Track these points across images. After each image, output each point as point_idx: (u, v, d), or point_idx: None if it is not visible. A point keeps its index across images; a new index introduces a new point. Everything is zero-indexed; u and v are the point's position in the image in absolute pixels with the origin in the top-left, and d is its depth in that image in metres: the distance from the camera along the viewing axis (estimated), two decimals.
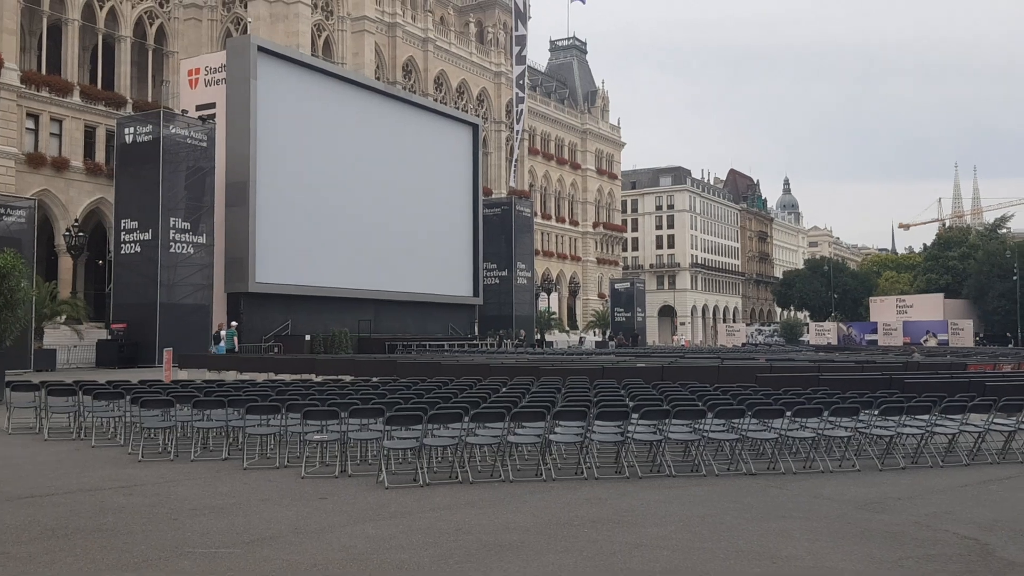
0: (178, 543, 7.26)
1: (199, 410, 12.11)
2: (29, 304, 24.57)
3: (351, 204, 45.84)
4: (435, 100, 64.40)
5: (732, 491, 9.81)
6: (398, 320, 48.79)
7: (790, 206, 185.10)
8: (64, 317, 38.58)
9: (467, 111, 68.36)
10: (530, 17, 78.50)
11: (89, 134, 46.56)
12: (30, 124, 44.01)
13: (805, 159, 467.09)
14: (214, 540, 7.37)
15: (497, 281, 60.92)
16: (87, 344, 38.19)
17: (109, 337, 37.65)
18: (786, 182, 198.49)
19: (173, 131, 38.52)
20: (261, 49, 41.72)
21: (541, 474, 10.49)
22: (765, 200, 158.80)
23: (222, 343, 34.93)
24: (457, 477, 10.23)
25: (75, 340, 38.44)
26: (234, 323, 36.91)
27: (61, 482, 10.22)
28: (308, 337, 40.61)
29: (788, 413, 11.47)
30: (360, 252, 45.90)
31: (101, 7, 47.70)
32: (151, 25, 50.70)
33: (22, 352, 28.61)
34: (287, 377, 19.50)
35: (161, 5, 51.10)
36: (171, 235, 38.02)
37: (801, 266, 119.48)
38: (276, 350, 36.89)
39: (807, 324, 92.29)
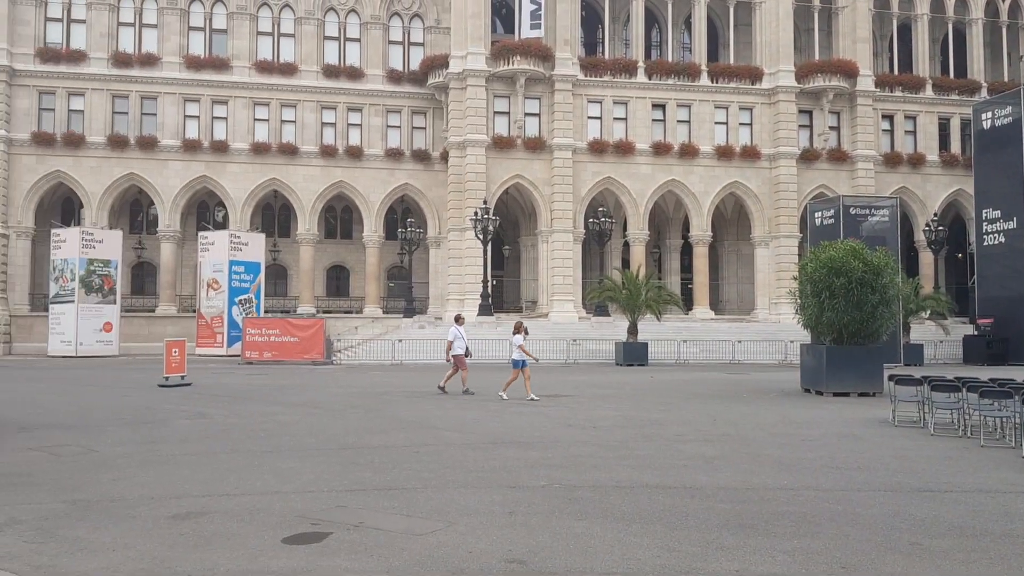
0: None
1: None
2: (898, 300, 25.16)
3: None
4: None
5: None
6: None
7: None
8: (928, 312, 38.67)
9: None
10: None
11: (943, 126, 46.08)
12: (885, 125, 45.65)
13: None
14: None
15: None
16: (952, 340, 37.53)
17: (975, 333, 36.35)
18: None
19: None
20: None
21: None
22: None
23: None
24: None
25: (940, 335, 38.17)
26: None
27: (956, 479, 9.85)
28: None
29: None
30: None
31: None
32: (1004, 1, 47.55)
33: (892, 346, 29.51)
34: None
35: None
36: None
37: None
38: None
39: None
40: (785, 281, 40.47)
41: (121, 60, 42.71)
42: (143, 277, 46.74)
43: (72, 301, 38.00)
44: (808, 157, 44.23)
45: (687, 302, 43.43)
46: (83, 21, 43.00)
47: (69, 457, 10.82)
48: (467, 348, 20.13)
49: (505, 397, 18.20)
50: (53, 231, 39.68)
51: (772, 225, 43.93)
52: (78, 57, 42.39)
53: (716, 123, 44.02)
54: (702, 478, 9.64)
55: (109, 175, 42.38)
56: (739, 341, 35.74)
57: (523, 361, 18.50)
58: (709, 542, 6.85)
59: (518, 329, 18.95)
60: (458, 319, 20.59)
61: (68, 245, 38.46)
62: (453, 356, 19.87)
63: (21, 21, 42.03)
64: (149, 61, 43.03)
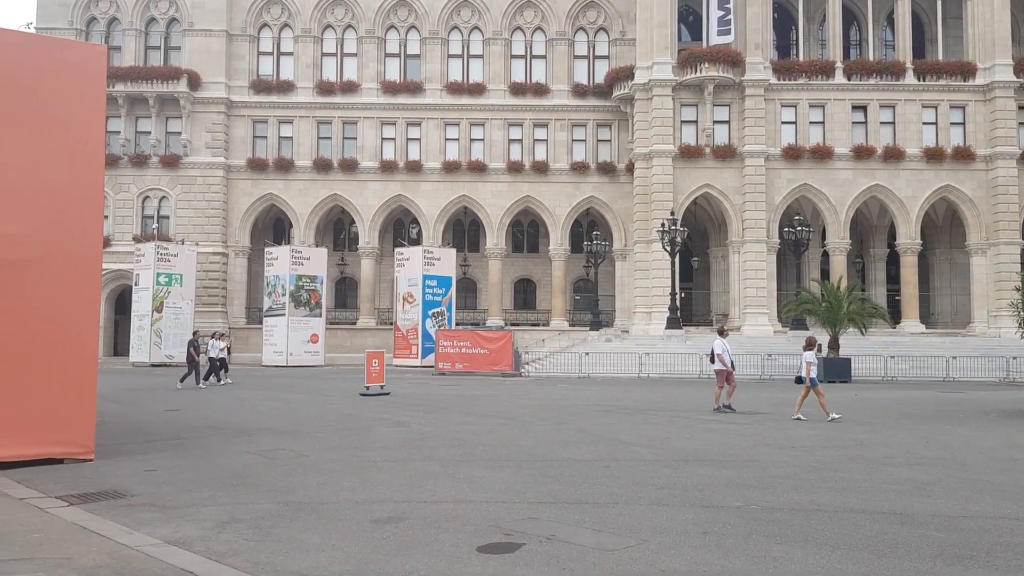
0: None
1: None
2: None
3: None
4: None
5: None
6: None
7: None
8: None
9: None
10: None
11: None
12: None
13: None
14: None
15: None
16: None
17: None
18: None
19: None
20: None
21: None
22: None
23: None
24: None
25: None
26: None
27: None
28: None
29: None
30: None
31: None
32: None
33: None
34: None
35: None
36: None
37: None
38: None
39: None
40: (1006, 292, 37.23)
41: (324, 88, 45.66)
42: (345, 291, 49.55)
43: (283, 314, 40.84)
44: None
45: (894, 315, 40.69)
46: (291, 53, 46.38)
47: (282, 461, 11.57)
48: (732, 362, 19.33)
49: (803, 418, 17.03)
50: (266, 249, 42.85)
51: (990, 231, 40.52)
52: (287, 87, 45.71)
53: (924, 123, 41.22)
54: (913, 504, 8.98)
55: (315, 196, 45.35)
56: (953, 357, 33.10)
57: (815, 379, 17.46)
58: (922, 572, 6.36)
59: (811, 344, 17.84)
60: (722, 332, 19.81)
61: (279, 262, 41.39)
62: (716, 371, 19.11)
63: (236, 56, 45.88)
64: (350, 88, 45.73)
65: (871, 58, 42.91)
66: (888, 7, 44.00)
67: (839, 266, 40.65)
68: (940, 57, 42.55)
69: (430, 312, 40.73)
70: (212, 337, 28.82)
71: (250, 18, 46.03)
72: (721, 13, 40.61)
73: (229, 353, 29.93)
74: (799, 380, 17.59)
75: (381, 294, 47.12)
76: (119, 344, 45.19)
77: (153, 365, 39.67)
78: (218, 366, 28.02)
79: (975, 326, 40.39)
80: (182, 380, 26.45)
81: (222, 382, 27.64)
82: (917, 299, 41.38)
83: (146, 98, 44.20)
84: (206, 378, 27.46)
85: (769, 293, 40.60)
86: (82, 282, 11.38)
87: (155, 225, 44.71)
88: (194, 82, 44.47)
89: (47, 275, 10.96)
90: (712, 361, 19.26)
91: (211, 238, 44.62)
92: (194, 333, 29.63)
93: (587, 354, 34.47)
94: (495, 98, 45.60)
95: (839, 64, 41.60)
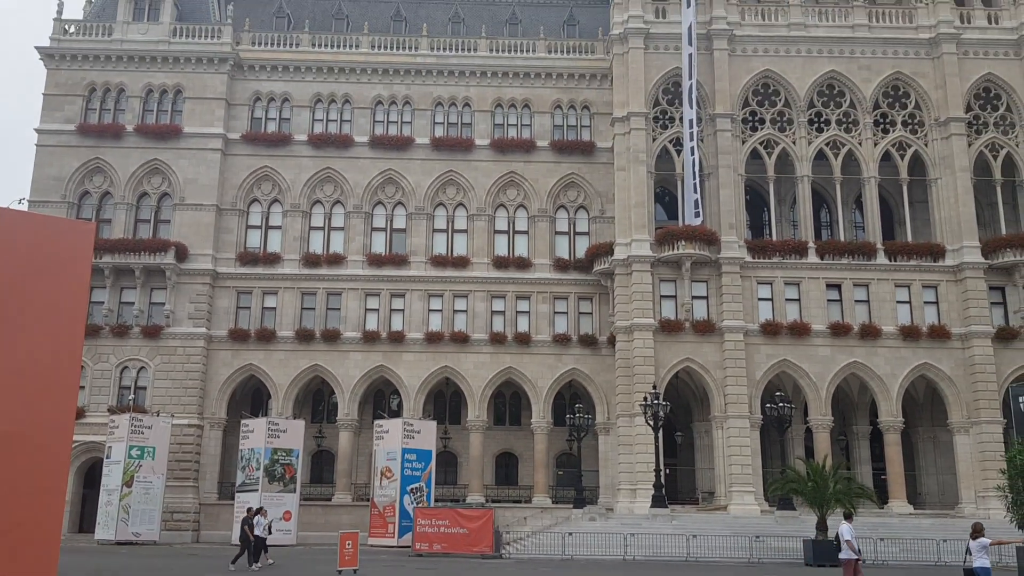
0: None
1: None
2: None
3: None
4: None
5: None
6: None
7: None
8: None
9: None
10: None
11: None
12: None
13: None
14: None
15: None
16: None
17: None
18: None
19: None
20: None
21: None
22: None
23: None
24: None
25: None
26: None
27: None
28: None
29: None
30: None
31: None
32: None
33: None
34: None
35: None
36: None
37: None
38: None
39: None
40: (991, 472, 36.79)
41: (311, 260, 46.38)
42: (322, 465, 48.24)
43: (256, 490, 39.40)
44: (1005, 336, 41.11)
45: (881, 495, 39.78)
46: (279, 227, 47.38)
47: None
48: (859, 549, 17.92)
49: None
50: (243, 422, 41.92)
51: (971, 409, 40.50)
52: (273, 259, 46.38)
53: (898, 302, 42.07)
54: None
55: (295, 367, 45.02)
56: (944, 540, 32.10)
57: (989, 569, 16.23)
58: None
59: (978, 531, 16.58)
60: (848, 516, 18.81)
61: (255, 435, 40.40)
62: (843, 560, 17.86)
63: (225, 229, 46.78)
64: (335, 260, 46.47)
65: (842, 238, 44.36)
66: (856, 191, 45.90)
67: (823, 443, 40.25)
68: (909, 238, 44.02)
69: (408, 488, 39.53)
70: (256, 514, 27.66)
71: (241, 194, 47.27)
72: (696, 196, 42.15)
73: (270, 531, 28.66)
74: (968, 573, 16.25)
75: (359, 468, 45.90)
76: (85, 520, 43.24)
77: (118, 543, 37.86)
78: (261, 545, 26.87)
79: (963, 507, 39.54)
80: (234, 561, 25.54)
81: (258, 564, 26.30)
82: (903, 478, 40.76)
83: (132, 269, 44.57)
84: (256, 559, 26.26)
85: (755, 470, 39.88)
86: (48, 462, 10.85)
87: (131, 396, 43.95)
88: (181, 254, 45.03)
89: (10, 453, 10.50)
90: (839, 549, 18.02)
91: (187, 409, 43.80)
92: (248, 510, 28.51)
93: (570, 534, 33.28)
94: (478, 271, 46.40)
95: (811, 244, 42.87)
